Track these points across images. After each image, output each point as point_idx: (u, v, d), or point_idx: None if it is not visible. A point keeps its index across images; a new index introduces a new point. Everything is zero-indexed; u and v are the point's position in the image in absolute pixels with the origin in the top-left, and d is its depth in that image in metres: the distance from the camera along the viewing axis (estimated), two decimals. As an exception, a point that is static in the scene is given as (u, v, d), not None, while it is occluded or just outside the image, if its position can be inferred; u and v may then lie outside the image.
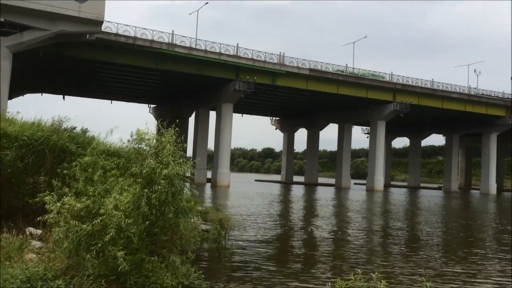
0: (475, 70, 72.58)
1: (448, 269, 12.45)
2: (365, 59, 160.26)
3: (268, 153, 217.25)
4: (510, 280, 11.45)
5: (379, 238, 18.30)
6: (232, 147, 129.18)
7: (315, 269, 11.57)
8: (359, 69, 59.85)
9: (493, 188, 72.39)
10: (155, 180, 7.53)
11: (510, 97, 69.55)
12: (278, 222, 21.27)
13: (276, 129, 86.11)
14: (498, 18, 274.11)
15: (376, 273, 5.31)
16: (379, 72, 61.37)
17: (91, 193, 7.52)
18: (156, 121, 9.03)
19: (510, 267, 13.12)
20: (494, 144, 73.12)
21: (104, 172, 8.08)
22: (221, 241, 12.05)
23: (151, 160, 7.81)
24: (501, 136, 75.01)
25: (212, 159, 61.09)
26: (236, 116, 77.68)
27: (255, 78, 51.94)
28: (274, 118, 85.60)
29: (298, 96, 61.98)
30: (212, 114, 59.94)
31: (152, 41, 46.35)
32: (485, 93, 68.20)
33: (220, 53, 50.35)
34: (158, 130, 8.60)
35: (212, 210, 15.63)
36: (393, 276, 11.11)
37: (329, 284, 5.22)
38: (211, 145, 64.83)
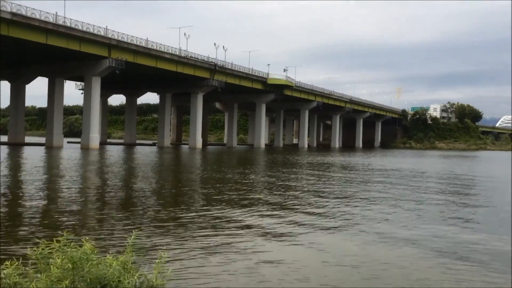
0: (185, 33, 78.06)
1: (160, 220, 13.14)
2: (79, 10, 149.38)
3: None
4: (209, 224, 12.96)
5: (94, 198, 17.82)
6: None
7: (14, 241, 10.28)
8: (71, 19, 55.50)
9: (199, 143, 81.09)
10: None
11: (213, 61, 78.04)
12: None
13: (-32, 80, 72.07)
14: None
15: (87, 237, 4.94)
16: (94, 25, 58.56)
17: None
18: None
19: (208, 212, 14.88)
20: (200, 103, 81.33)
21: None
22: None
23: None
24: (206, 96, 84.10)
25: None
26: None
27: None
28: (-35, 67, 71.31)
29: (-3, 42, 53.11)
30: None
31: None
32: (193, 56, 74.36)
33: None
34: None
35: None
36: (105, 234, 10.95)
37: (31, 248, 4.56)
38: None
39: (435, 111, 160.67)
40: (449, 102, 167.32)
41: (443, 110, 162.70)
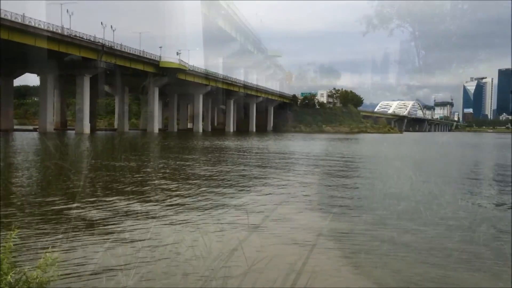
0: (67, 10, 72.20)
1: (42, 216, 12.11)
2: None
3: None
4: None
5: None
6: None
7: None
8: None
9: (87, 128, 76.37)
10: None
11: (101, 41, 73.59)
12: None
13: None
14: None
15: None
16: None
17: None
18: None
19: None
20: (87, 85, 76.36)
21: None
22: None
23: None
24: (94, 79, 79.09)
25: None
26: None
27: None
28: None
29: None
30: None
31: None
32: (78, 35, 69.27)
33: None
34: None
35: None
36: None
37: None
38: None
39: (322, 97, 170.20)
40: (334, 88, 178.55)
41: (329, 95, 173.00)
